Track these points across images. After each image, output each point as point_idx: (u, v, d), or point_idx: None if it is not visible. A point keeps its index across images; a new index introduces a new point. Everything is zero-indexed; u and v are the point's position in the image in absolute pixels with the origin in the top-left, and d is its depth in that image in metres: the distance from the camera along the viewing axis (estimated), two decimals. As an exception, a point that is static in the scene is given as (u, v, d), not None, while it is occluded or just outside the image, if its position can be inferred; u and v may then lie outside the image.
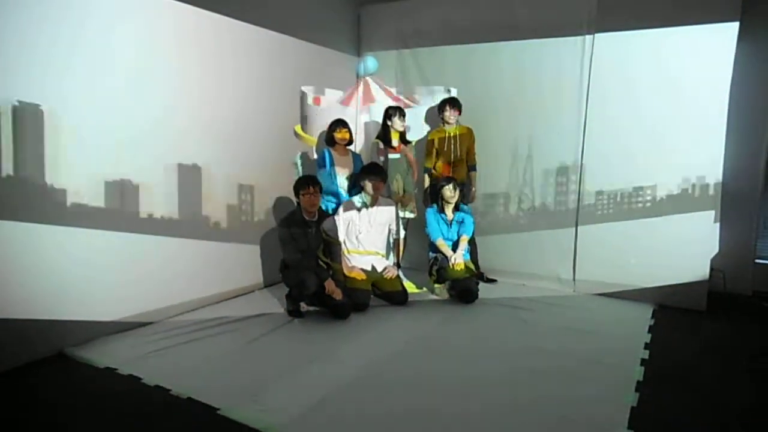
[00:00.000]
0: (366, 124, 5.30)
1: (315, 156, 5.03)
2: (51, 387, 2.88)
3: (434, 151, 4.91)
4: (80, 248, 3.30)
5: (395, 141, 4.76)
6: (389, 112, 4.73)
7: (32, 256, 3.07)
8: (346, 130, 4.64)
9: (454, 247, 4.53)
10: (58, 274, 3.20)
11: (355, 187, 4.61)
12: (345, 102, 5.19)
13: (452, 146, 4.80)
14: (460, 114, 4.82)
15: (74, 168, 3.23)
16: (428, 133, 5.11)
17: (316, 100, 5.08)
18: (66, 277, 3.25)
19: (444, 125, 4.86)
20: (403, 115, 4.74)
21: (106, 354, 3.24)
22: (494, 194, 5.13)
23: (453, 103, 4.81)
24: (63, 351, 3.25)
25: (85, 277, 3.34)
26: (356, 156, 4.85)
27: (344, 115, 4.88)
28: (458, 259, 4.41)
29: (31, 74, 2.98)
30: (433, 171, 4.93)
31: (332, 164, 4.64)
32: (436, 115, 4.98)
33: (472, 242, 4.82)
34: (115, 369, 3.06)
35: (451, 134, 4.81)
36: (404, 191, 4.82)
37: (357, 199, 4.40)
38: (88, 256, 3.35)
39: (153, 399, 2.76)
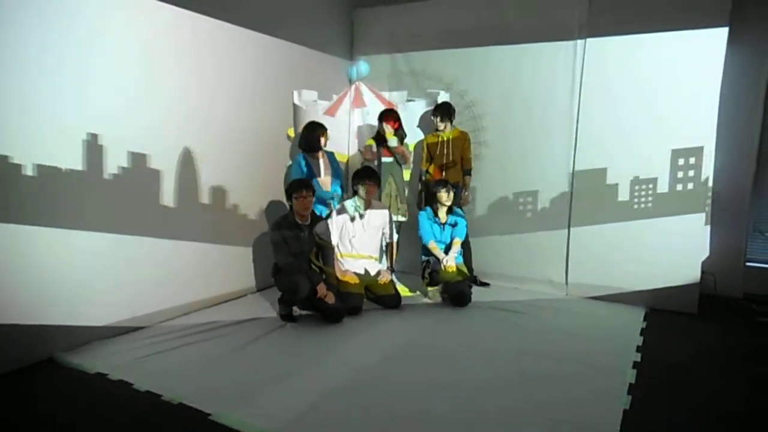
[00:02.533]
0: (359, 128, 5.29)
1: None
2: (40, 393, 2.85)
3: (428, 155, 4.93)
4: (70, 251, 3.27)
5: (389, 142, 4.75)
6: (383, 116, 4.73)
7: (21, 259, 3.04)
8: (327, 131, 4.60)
9: (447, 249, 4.53)
10: (47, 277, 3.17)
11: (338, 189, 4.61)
12: (334, 106, 5.17)
13: (445, 151, 4.81)
14: (450, 120, 4.82)
15: (65, 169, 3.21)
16: (424, 137, 5.11)
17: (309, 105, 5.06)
18: (55, 281, 3.22)
19: (437, 131, 4.87)
20: (397, 119, 4.73)
21: (97, 359, 3.21)
22: (487, 197, 5.14)
23: (441, 113, 4.80)
24: (53, 356, 3.22)
25: (75, 281, 3.32)
26: (330, 153, 4.76)
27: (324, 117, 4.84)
28: (450, 262, 4.41)
29: (23, 74, 2.96)
30: (428, 174, 4.94)
31: (312, 170, 4.53)
32: (430, 119, 4.98)
33: (466, 246, 4.83)
34: (106, 374, 3.03)
35: (444, 139, 4.82)
36: (398, 196, 4.82)
37: (350, 203, 4.39)
38: (79, 259, 3.33)
39: (144, 404, 2.74)
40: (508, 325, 4.02)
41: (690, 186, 4.30)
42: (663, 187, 4.40)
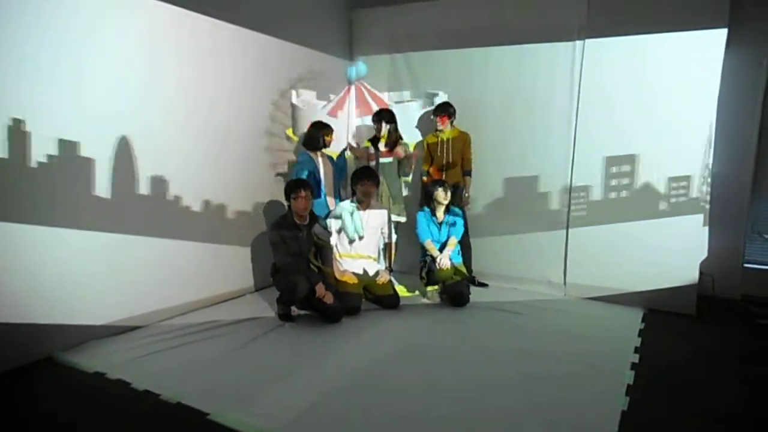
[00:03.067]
0: (358, 128, 5.29)
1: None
2: (39, 392, 2.85)
3: (428, 155, 4.94)
4: (69, 251, 3.27)
5: (383, 145, 4.76)
6: (378, 117, 4.73)
7: (19, 258, 3.04)
8: (332, 132, 4.61)
9: (443, 248, 4.53)
10: (45, 277, 3.17)
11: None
12: (336, 106, 5.16)
13: (444, 151, 4.82)
14: (450, 120, 4.82)
15: (62, 168, 3.21)
16: (425, 137, 5.12)
17: (309, 104, 5.05)
18: (55, 280, 3.22)
19: (437, 131, 4.88)
20: (391, 120, 4.73)
21: (95, 358, 3.21)
22: (485, 197, 5.14)
23: (439, 111, 4.81)
24: (51, 355, 3.22)
25: (74, 280, 3.32)
26: (329, 157, 4.78)
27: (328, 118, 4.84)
28: (444, 260, 4.40)
29: (19, 73, 2.96)
30: (428, 175, 4.95)
31: (317, 168, 4.58)
32: (429, 120, 4.99)
33: (466, 246, 4.83)
34: (104, 373, 3.03)
35: (444, 138, 4.83)
36: (390, 196, 4.82)
37: (349, 203, 4.40)
38: (77, 258, 3.33)
39: (142, 404, 2.74)
40: (506, 325, 4.02)
41: (688, 186, 4.30)
42: (660, 187, 4.40)
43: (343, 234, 4.40)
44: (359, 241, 4.39)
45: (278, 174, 4.89)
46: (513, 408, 2.72)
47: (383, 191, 4.81)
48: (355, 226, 4.32)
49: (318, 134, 4.51)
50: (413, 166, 4.92)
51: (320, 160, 4.60)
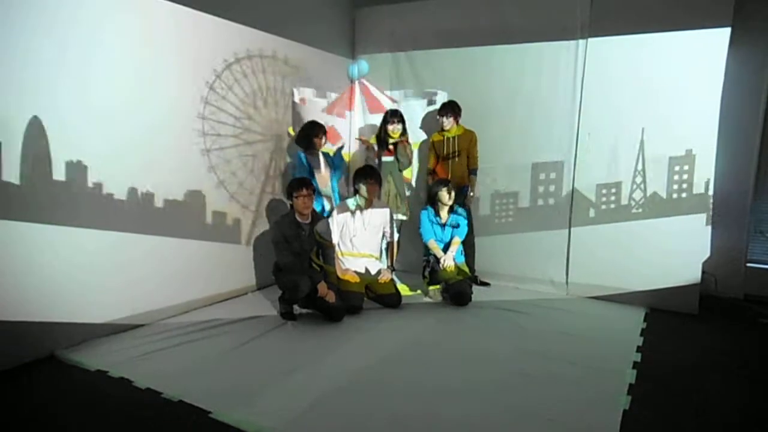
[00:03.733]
0: (360, 129, 5.30)
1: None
2: (42, 390, 2.86)
3: (434, 153, 4.94)
4: (71, 249, 3.28)
5: (390, 144, 4.76)
6: (387, 115, 4.73)
7: (23, 256, 3.04)
8: (326, 132, 4.60)
9: (447, 248, 4.53)
10: (49, 275, 3.18)
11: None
12: (336, 104, 5.17)
13: (450, 148, 4.81)
14: (456, 118, 4.82)
15: (65, 167, 3.21)
16: (431, 135, 5.13)
17: (307, 102, 5.06)
18: (57, 279, 3.22)
19: (443, 129, 4.88)
20: (401, 120, 4.73)
21: (98, 356, 3.21)
22: (488, 196, 5.14)
23: (445, 110, 4.81)
24: (54, 353, 3.22)
25: (76, 279, 3.32)
26: (326, 154, 4.78)
27: (323, 117, 4.83)
28: (448, 261, 4.40)
29: (24, 74, 2.96)
30: (434, 173, 4.96)
31: (311, 165, 4.59)
32: (434, 119, 4.99)
33: (470, 246, 4.83)
34: (107, 371, 3.04)
35: (450, 136, 4.83)
36: (396, 194, 4.82)
37: (351, 202, 4.40)
38: (80, 257, 3.33)
39: (144, 402, 2.74)
40: (508, 324, 4.02)
41: (691, 186, 4.30)
42: (663, 187, 4.40)
43: (345, 232, 4.40)
44: (362, 231, 4.39)
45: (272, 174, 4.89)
46: (514, 408, 2.72)
47: (389, 189, 4.81)
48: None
49: (309, 133, 4.51)
50: (412, 157, 4.91)
51: (320, 155, 4.60)
